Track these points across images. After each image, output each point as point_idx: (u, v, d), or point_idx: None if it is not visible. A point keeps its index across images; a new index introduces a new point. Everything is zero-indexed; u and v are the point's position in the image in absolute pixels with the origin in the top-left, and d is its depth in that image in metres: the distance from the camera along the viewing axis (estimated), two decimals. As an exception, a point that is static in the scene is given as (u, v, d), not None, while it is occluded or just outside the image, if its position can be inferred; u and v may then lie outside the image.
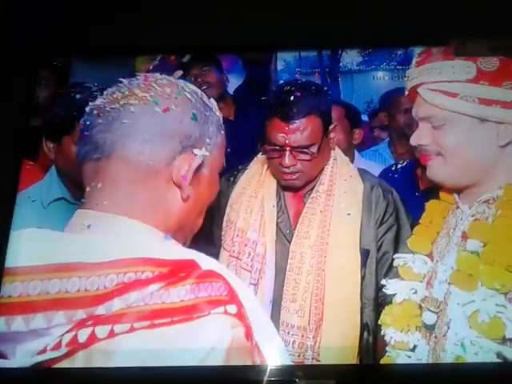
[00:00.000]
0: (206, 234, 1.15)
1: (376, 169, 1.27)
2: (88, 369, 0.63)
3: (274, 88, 1.21)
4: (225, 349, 0.61)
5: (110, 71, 1.25)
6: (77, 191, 1.10)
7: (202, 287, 0.64)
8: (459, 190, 1.01)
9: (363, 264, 1.10)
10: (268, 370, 0.91)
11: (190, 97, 0.76)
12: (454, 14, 1.23)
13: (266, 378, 0.92)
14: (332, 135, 1.16)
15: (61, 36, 1.29)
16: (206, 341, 0.62)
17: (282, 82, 1.21)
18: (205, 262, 0.69)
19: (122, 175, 0.72)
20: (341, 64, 1.41)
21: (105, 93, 0.77)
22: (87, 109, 0.76)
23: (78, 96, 1.13)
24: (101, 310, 0.63)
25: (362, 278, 1.09)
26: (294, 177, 1.12)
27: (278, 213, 1.16)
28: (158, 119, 0.72)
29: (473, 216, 0.96)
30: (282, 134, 1.10)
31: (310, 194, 1.16)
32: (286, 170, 1.12)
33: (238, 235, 1.16)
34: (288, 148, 1.10)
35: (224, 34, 1.29)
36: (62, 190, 1.16)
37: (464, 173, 0.98)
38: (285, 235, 1.14)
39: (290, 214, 1.16)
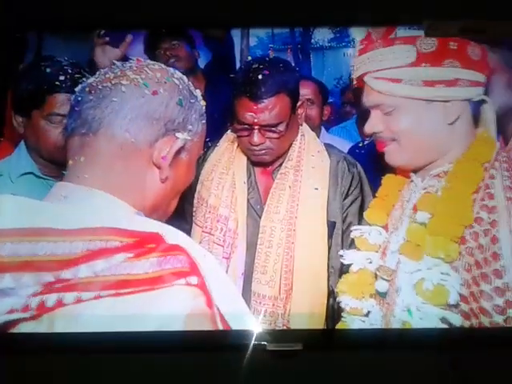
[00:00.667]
0: (178, 211, 1.18)
1: (343, 145, 1.29)
2: (51, 334, 0.67)
3: (243, 66, 1.20)
4: (186, 315, 0.65)
5: (79, 44, 1.27)
6: (45, 166, 1.16)
7: (166, 260, 0.67)
8: (416, 171, 1.04)
9: (330, 235, 1.15)
10: (239, 335, 0.97)
11: (177, 83, 0.79)
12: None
13: (237, 343, 0.98)
14: (300, 111, 1.17)
15: (28, 10, 1.26)
16: (168, 309, 0.65)
17: (250, 59, 1.21)
18: (171, 235, 0.71)
19: (105, 151, 0.75)
20: (312, 41, 1.42)
21: (97, 73, 0.80)
22: (79, 86, 0.80)
23: (48, 70, 1.13)
24: (67, 274, 0.66)
25: (329, 249, 1.14)
26: (262, 152, 1.15)
27: (248, 189, 1.19)
28: (147, 101, 0.75)
29: (424, 189, 1.00)
30: (250, 113, 1.11)
31: (278, 170, 1.18)
32: (256, 148, 1.14)
33: (210, 211, 1.18)
34: (257, 127, 1.11)
35: (193, 10, 1.27)
36: (31, 164, 1.17)
37: (419, 155, 1.01)
38: (255, 210, 1.18)
39: (259, 190, 1.19)
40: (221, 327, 0.69)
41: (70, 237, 0.68)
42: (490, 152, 0.97)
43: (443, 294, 0.90)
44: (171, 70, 0.83)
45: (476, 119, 1.01)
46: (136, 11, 1.27)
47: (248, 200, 1.18)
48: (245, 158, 1.20)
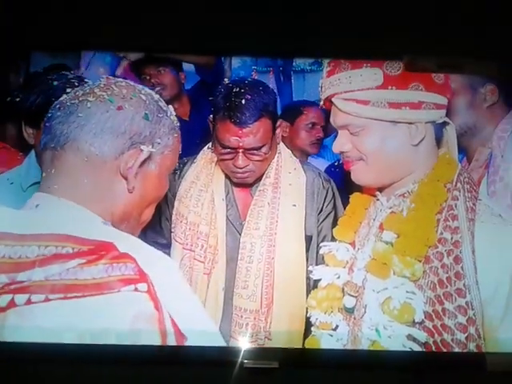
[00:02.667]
0: (155, 226, 1.18)
1: (323, 164, 1.31)
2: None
3: (223, 89, 1.15)
4: (133, 319, 0.66)
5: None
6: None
7: (116, 267, 0.68)
8: (381, 189, 1.02)
9: (307, 249, 1.15)
10: (218, 351, 0.95)
11: (144, 98, 0.80)
12: (405, 31, 1.21)
13: (216, 358, 0.96)
14: (278, 131, 1.16)
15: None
16: (116, 313, 0.67)
17: (227, 82, 1.18)
18: (124, 244, 0.71)
19: (72, 164, 0.76)
20: (294, 64, 1.42)
21: (71, 91, 0.81)
22: (53, 104, 0.81)
23: (55, 83, 1.11)
24: (22, 276, 0.68)
25: (306, 262, 1.13)
26: (245, 175, 1.13)
27: (227, 206, 1.17)
28: (111, 116, 0.76)
29: (390, 208, 0.98)
30: (235, 138, 1.09)
31: (257, 187, 1.17)
32: (239, 171, 1.12)
33: (190, 229, 1.17)
34: (241, 150, 1.10)
35: (177, 37, 1.25)
36: (41, 174, 1.14)
37: (384, 174, 0.99)
38: (235, 227, 1.16)
39: (238, 207, 1.18)
40: (170, 330, 0.70)
41: (25, 242, 0.70)
42: (451, 173, 0.95)
43: (409, 312, 0.88)
44: (140, 86, 0.83)
45: (438, 140, 0.99)
46: (120, 37, 1.24)
47: (227, 217, 1.17)
48: (223, 176, 1.19)
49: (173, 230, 1.19)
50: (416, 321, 0.88)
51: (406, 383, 0.99)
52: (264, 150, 1.11)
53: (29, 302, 0.66)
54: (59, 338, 0.70)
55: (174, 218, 1.19)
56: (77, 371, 0.99)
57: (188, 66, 1.37)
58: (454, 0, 1.21)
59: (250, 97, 1.10)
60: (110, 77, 0.84)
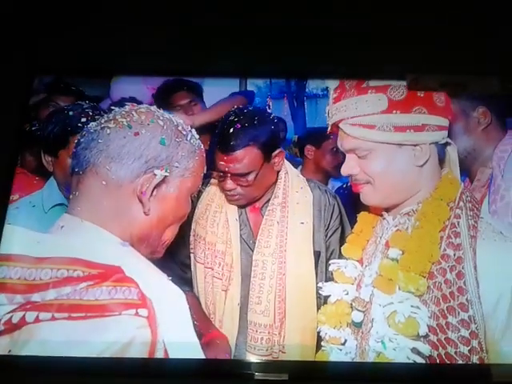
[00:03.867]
0: (180, 248, 1.20)
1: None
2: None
3: (224, 116, 1.18)
4: (129, 343, 0.68)
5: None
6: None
7: (119, 290, 0.70)
8: (388, 209, 1.04)
9: (316, 264, 1.15)
10: (230, 364, 0.99)
11: (161, 124, 0.82)
12: (408, 51, 1.24)
13: (227, 371, 1.00)
14: (276, 160, 1.17)
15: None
16: (114, 335, 0.69)
17: (232, 110, 1.19)
18: (133, 268, 0.73)
19: (93, 187, 0.79)
20: (307, 90, 1.44)
21: (99, 118, 0.85)
22: (81, 131, 0.85)
23: (70, 113, 1.15)
24: (36, 297, 0.71)
25: (316, 276, 1.14)
26: (235, 197, 1.16)
27: (240, 225, 1.20)
28: (128, 141, 0.79)
29: (395, 226, 0.99)
30: (222, 163, 1.12)
31: (266, 207, 1.19)
32: (228, 193, 1.16)
33: (208, 248, 1.19)
34: (228, 175, 1.13)
35: (191, 61, 1.30)
36: (61, 197, 1.17)
37: (391, 196, 1.00)
38: (248, 245, 1.18)
39: (251, 226, 1.20)
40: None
41: (39, 264, 0.73)
42: (454, 192, 0.96)
43: (414, 326, 0.88)
44: (159, 112, 0.86)
45: (441, 161, 1.01)
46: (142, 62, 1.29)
47: (241, 235, 1.19)
48: (235, 198, 1.22)
49: (192, 251, 1.22)
50: (420, 334, 0.89)
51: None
52: (250, 177, 1.13)
53: (37, 319, 0.69)
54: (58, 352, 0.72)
55: (191, 239, 1.22)
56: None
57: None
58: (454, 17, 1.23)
59: (239, 126, 1.12)
60: (135, 104, 0.87)
